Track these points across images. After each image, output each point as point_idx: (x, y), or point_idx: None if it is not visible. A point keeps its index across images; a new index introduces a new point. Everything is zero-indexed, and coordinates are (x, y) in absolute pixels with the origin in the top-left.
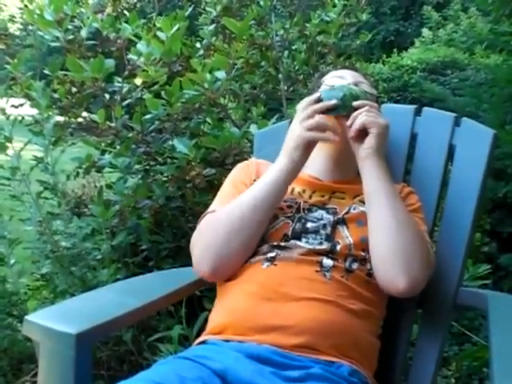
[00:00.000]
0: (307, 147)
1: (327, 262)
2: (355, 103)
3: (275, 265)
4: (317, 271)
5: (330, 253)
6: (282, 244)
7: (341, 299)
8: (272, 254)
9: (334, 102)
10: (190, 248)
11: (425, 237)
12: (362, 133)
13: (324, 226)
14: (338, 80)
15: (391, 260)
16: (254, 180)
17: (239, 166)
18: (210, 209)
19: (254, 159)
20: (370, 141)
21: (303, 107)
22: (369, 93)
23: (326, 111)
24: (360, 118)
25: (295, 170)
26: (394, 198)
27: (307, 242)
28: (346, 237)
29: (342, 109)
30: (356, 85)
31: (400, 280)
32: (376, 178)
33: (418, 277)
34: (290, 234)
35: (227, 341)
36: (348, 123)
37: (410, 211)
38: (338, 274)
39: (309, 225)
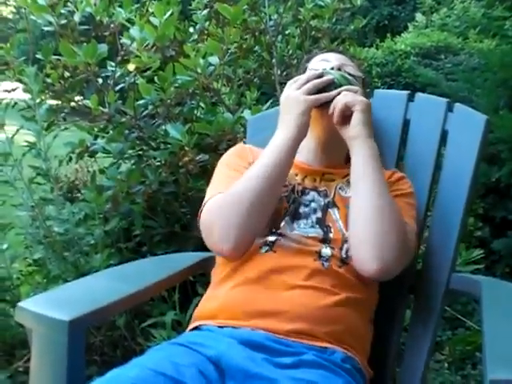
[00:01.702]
0: (310, 112)
1: (326, 251)
2: (333, 92)
3: (274, 251)
4: (315, 260)
5: (326, 241)
6: (279, 231)
7: (336, 288)
8: (272, 239)
9: (329, 77)
10: (202, 229)
11: (403, 223)
12: (347, 116)
13: (315, 210)
14: (323, 63)
15: (364, 244)
16: (252, 162)
17: (232, 150)
18: (211, 193)
19: (249, 145)
20: (356, 116)
21: (295, 79)
22: (353, 75)
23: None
24: (340, 100)
25: (301, 136)
26: (376, 182)
27: (299, 227)
28: (337, 220)
29: (334, 87)
30: (340, 68)
31: (371, 264)
32: (366, 155)
33: (389, 262)
34: (284, 212)
35: (221, 327)
36: (330, 111)
37: (400, 195)
38: (335, 265)
39: (301, 210)
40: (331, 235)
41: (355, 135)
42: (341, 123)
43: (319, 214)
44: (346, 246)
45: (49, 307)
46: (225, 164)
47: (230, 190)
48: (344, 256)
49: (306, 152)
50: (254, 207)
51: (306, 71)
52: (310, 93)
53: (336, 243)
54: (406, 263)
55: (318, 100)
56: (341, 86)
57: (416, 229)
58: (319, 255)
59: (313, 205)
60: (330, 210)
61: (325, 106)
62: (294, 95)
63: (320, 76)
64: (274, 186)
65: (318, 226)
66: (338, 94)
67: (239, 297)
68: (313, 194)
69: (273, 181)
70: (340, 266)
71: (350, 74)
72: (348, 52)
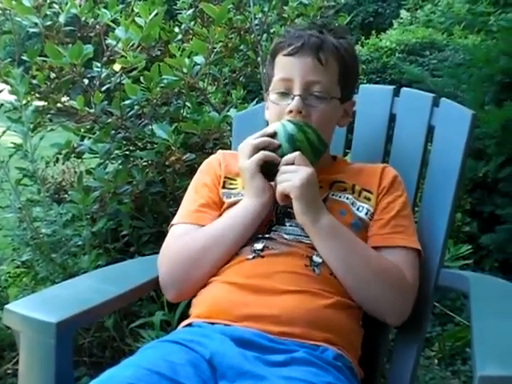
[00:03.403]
0: (261, 176)
1: (317, 258)
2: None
3: (262, 257)
4: (306, 265)
5: None
6: (267, 235)
7: (327, 293)
8: (259, 246)
9: (275, 143)
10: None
11: (398, 273)
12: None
13: None
14: (285, 84)
15: (370, 311)
16: (226, 177)
17: (203, 165)
18: (176, 219)
19: (221, 152)
20: (295, 206)
21: (245, 147)
22: (320, 96)
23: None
24: (278, 186)
25: (261, 206)
26: (341, 256)
27: (292, 227)
28: None
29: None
30: (302, 94)
31: (389, 321)
32: (319, 245)
33: (405, 313)
34: (274, 219)
35: (213, 323)
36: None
37: (398, 214)
38: (326, 271)
39: (291, 209)
40: None
41: (301, 222)
42: (284, 203)
43: None
44: None
45: (36, 309)
46: (192, 183)
47: (182, 241)
48: None
49: None
50: (196, 266)
51: (272, 73)
52: (260, 161)
53: None
54: (412, 297)
55: (259, 161)
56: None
57: (418, 245)
58: (311, 260)
59: None
60: None
61: (272, 178)
62: (240, 164)
63: (271, 135)
64: (226, 251)
65: None
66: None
67: (228, 301)
68: None
69: (224, 249)
70: (331, 274)
71: (316, 96)
72: (321, 48)
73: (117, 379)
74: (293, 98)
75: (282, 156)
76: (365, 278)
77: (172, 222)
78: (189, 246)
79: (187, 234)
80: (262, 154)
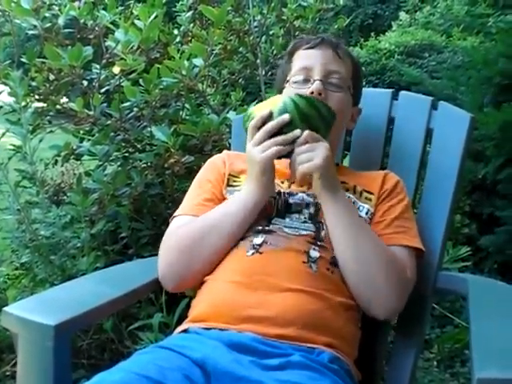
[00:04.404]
0: (273, 167)
1: (314, 253)
2: (287, 147)
3: (260, 253)
4: (303, 262)
5: (317, 240)
6: (267, 228)
7: (326, 292)
8: (258, 241)
9: (286, 116)
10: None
11: (398, 264)
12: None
13: (307, 205)
14: (305, 72)
15: (362, 296)
16: (230, 175)
17: (207, 163)
18: (178, 211)
19: (225, 152)
20: (315, 184)
21: (255, 126)
22: (337, 85)
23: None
24: (299, 168)
25: (267, 193)
26: (352, 235)
27: (291, 221)
28: None
29: (294, 126)
30: (323, 79)
31: (377, 313)
32: (334, 218)
33: (395, 308)
34: (274, 213)
35: (208, 328)
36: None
37: (400, 216)
38: (323, 267)
39: (291, 201)
40: (323, 233)
41: (319, 197)
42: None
43: (312, 210)
44: None
45: (34, 312)
46: (196, 179)
47: (182, 229)
48: (333, 259)
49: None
50: (196, 255)
51: (289, 67)
52: (266, 147)
53: (327, 241)
54: (407, 293)
55: (273, 156)
56: (307, 118)
57: (420, 246)
58: (308, 255)
59: (304, 201)
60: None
61: (288, 155)
62: (251, 153)
63: (270, 115)
64: (226, 241)
65: (310, 221)
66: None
67: (227, 302)
68: (301, 195)
69: (223, 238)
70: (328, 269)
71: (335, 84)
72: (337, 43)
73: (106, 383)
74: (313, 83)
75: (292, 130)
76: (368, 257)
77: (174, 214)
78: (187, 234)
79: (187, 225)
80: (276, 150)
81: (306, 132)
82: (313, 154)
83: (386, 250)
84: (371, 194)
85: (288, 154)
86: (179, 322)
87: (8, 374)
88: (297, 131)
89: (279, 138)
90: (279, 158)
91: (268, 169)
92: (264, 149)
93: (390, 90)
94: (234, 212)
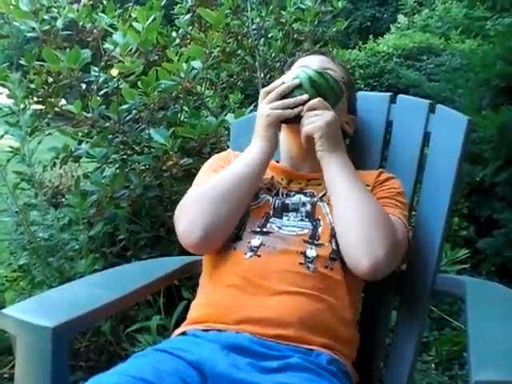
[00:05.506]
0: (277, 125)
1: (311, 252)
2: (295, 110)
3: (258, 256)
4: (300, 263)
5: (314, 237)
6: (264, 229)
7: (324, 293)
8: (255, 243)
9: (296, 81)
10: (174, 221)
11: (389, 219)
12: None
13: (304, 204)
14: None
15: (353, 245)
16: None
17: (216, 155)
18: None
19: (229, 151)
20: (317, 143)
21: (267, 90)
22: (332, 76)
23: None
24: (303, 129)
25: (271, 149)
26: (351, 187)
27: (288, 220)
28: (327, 213)
29: (304, 91)
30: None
31: (362, 263)
32: (333, 173)
33: (380, 259)
34: (271, 212)
35: (206, 330)
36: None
37: (390, 196)
38: (321, 265)
39: (288, 201)
40: (320, 230)
41: (319, 157)
42: (308, 146)
43: (308, 208)
44: (334, 240)
45: (32, 314)
46: (206, 166)
47: (201, 187)
48: (335, 248)
49: (290, 158)
50: (219, 206)
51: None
52: (274, 102)
53: (324, 238)
54: (397, 260)
55: (281, 115)
56: (315, 84)
57: (407, 227)
58: (305, 256)
59: (301, 201)
60: (319, 203)
61: (294, 121)
62: (261, 109)
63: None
64: (242, 195)
65: (307, 219)
66: (301, 111)
67: (225, 304)
68: (299, 196)
69: (239, 192)
70: (326, 267)
71: (329, 76)
72: (330, 53)
73: None
74: None
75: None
76: (363, 208)
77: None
78: (215, 186)
79: (208, 182)
80: (286, 112)
81: (316, 99)
82: (317, 118)
83: (383, 209)
84: (367, 185)
85: (298, 120)
86: (177, 324)
87: (6, 376)
88: (305, 95)
89: (289, 100)
90: (289, 122)
91: (273, 125)
92: (273, 107)
93: (388, 94)
94: (247, 164)
